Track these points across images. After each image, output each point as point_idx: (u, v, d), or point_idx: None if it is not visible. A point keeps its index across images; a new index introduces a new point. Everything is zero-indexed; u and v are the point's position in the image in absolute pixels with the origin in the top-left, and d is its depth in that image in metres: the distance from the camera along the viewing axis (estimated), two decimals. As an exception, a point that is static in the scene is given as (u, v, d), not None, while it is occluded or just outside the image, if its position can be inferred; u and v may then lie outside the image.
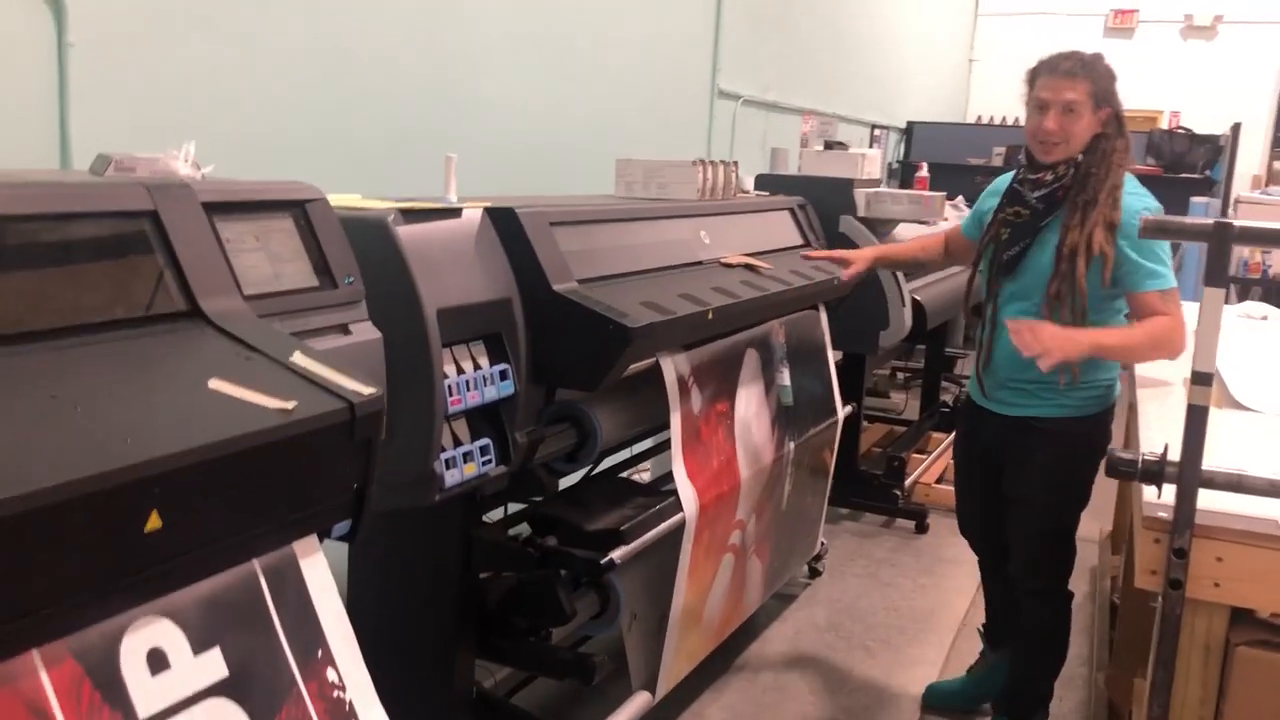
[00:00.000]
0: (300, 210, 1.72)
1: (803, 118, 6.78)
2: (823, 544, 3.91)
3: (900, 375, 7.20)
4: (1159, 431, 1.95)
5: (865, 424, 5.91)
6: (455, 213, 2.23)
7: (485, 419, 2.27)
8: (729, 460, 2.85)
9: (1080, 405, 2.62)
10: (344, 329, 1.73)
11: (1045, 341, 2.34)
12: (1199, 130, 8.61)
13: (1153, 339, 2.45)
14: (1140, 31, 10.77)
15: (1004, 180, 2.82)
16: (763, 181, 4.28)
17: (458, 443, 2.19)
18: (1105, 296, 2.55)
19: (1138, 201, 2.52)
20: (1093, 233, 2.48)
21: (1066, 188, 2.55)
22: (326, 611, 1.36)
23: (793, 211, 3.68)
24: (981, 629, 3.27)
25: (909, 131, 9.16)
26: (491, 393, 2.20)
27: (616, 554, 2.35)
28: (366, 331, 1.76)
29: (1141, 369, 2.83)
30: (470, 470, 2.17)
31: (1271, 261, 7.78)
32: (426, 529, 2.38)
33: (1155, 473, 1.47)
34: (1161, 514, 1.53)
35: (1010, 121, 9.98)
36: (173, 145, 1.68)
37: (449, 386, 2.09)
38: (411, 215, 2.09)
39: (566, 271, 2.32)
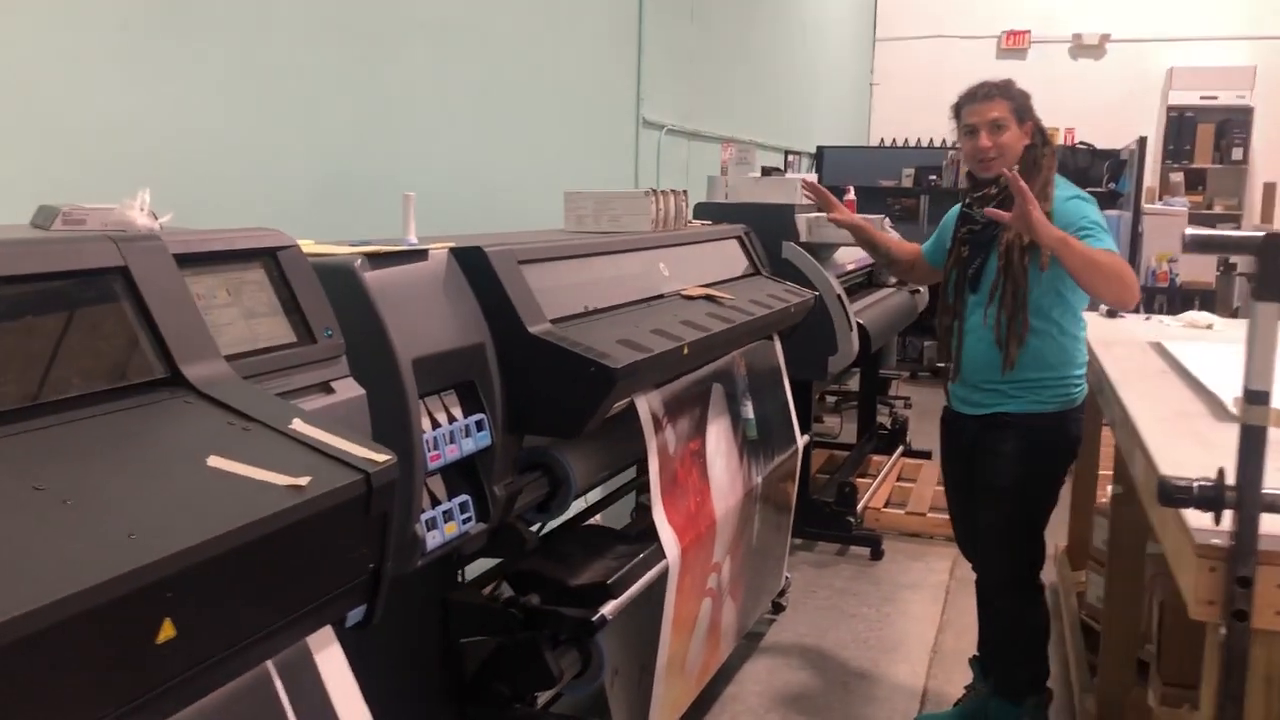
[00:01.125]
0: (272, 259, 1.56)
1: (722, 145, 6.75)
2: (786, 578, 3.82)
3: (831, 399, 7.19)
4: (1186, 454, 1.89)
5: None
6: (421, 255, 2.08)
7: (461, 474, 2.12)
8: (704, 501, 2.74)
9: (1046, 401, 2.78)
10: (326, 387, 1.57)
11: (1029, 209, 2.49)
12: (1097, 146, 8.86)
13: (1113, 267, 2.52)
14: (1033, 52, 11.05)
15: (954, 210, 3.02)
16: (701, 210, 4.21)
17: (436, 501, 2.03)
18: (1051, 288, 2.71)
19: (1066, 190, 2.77)
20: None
21: (1009, 194, 2.65)
22: (348, 712, 1.20)
23: (740, 239, 3.60)
24: (974, 659, 3.22)
25: (819, 156, 9.22)
26: (469, 445, 2.06)
27: (607, 610, 2.21)
28: (349, 388, 1.61)
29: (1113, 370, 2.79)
30: (451, 530, 2.02)
31: (1178, 270, 7.99)
32: (400, 594, 2.20)
33: (1213, 499, 1.39)
34: (1216, 540, 1.45)
35: (913, 143, 10.14)
36: (95, 192, 1.51)
37: (427, 441, 1.94)
38: (378, 260, 1.95)
39: (539, 312, 2.19)
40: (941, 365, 3.05)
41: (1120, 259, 2.57)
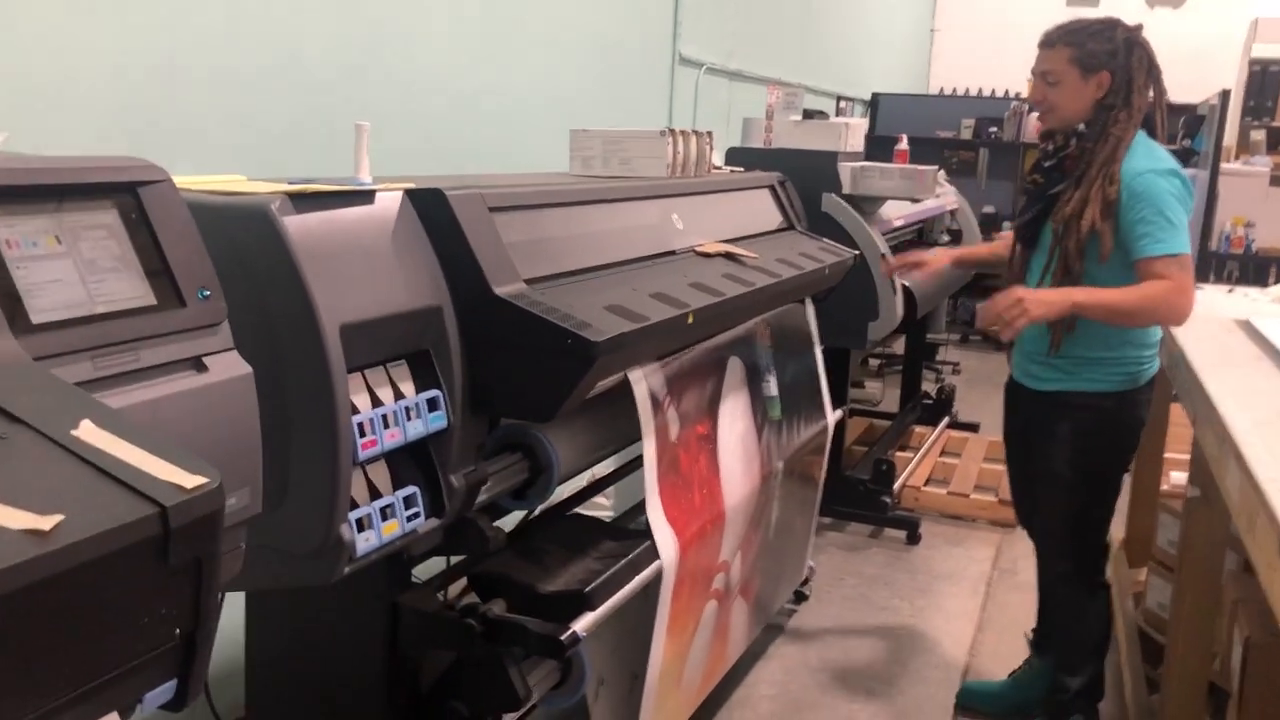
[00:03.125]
0: (130, 197, 1.21)
1: (768, 89, 6.29)
2: (810, 567, 3.46)
3: (875, 363, 6.77)
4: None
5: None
6: (366, 197, 1.72)
7: (412, 460, 1.78)
8: (712, 493, 2.38)
9: (1106, 380, 2.51)
10: (197, 365, 1.22)
11: (1001, 308, 2.28)
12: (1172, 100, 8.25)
13: (1145, 301, 2.33)
14: (1105, 2, 10.39)
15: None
16: (734, 156, 3.81)
17: (375, 494, 1.69)
18: (1115, 272, 2.40)
19: (1143, 162, 2.40)
20: (1083, 210, 2.40)
21: (1073, 157, 2.48)
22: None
23: (773, 189, 3.20)
24: (1030, 634, 3.03)
25: (874, 104, 8.71)
26: (417, 428, 1.71)
27: (581, 625, 1.86)
28: (229, 366, 1.26)
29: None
30: (391, 530, 1.68)
31: (1255, 235, 7.45)
32: (341, 597, 1.88)
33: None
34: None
35: (974, 93, 9.57)
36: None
37: (359, 425, 1.60)
38: (304, 201, 1.59)
39: (511, 270, 1.83)
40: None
41: (1158, 286, 2.31)
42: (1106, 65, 2.40)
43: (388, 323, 1.66)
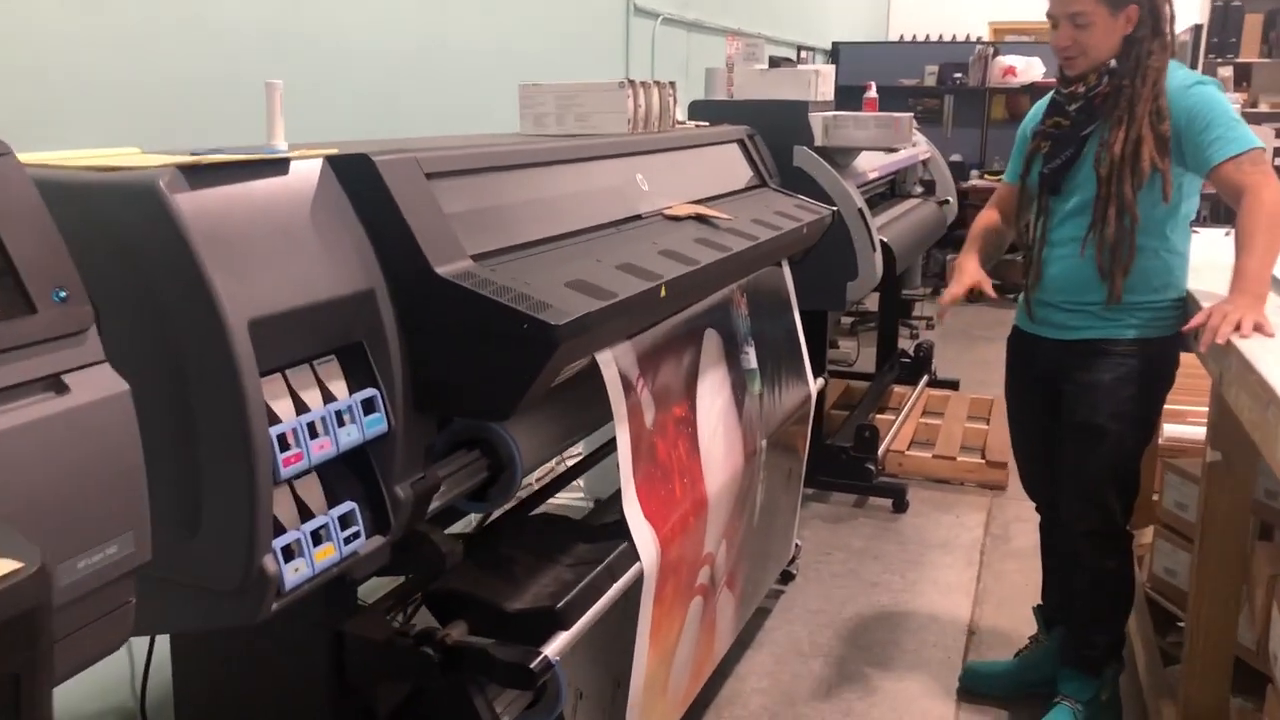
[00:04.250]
0: (-47, 177, 0.95)
1: (727, 39, 6.02)
2: (796, 545, 3.26)
3: (847, 320, 6.57)
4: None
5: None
6: (277, 166, 1.47)
7: (349, 471, 1.54)
8: (693, 481, 2.15)
9: (1149, 325, 2.38)
10: (55, 385, 0.97)
11: (1228, 323, 1.99)
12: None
13: (1272, 220, 2.13)
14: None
15: (1042, 103, 2.54)
16: (698, 109, 3.56)
17: (306, 515, 1.45)
18: (1165, 215, 2.33)
19: (1183, 78, 2.29)
20: (1138, 151, 2.26)
21: (1104, 94, 2.33)
22: None
23: (742, 144, 2.96)
24: (1037, 608, 2.85)
25: (835, 53, 8.46)
26: (351, 435, 1.47)
27: (554, 647, 1.64)
28: (99, 384, 1.01)
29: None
30: (325, 556, 1.44)
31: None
32: (276, 627, 1.64)
33: None
34: None
35: (935, 38, 9.33)
36: None
37: (279, 436, 1.35)
38: (200, 174, 1.33)
39: (454, 245, 1.58)
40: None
41: (1266, 196, 2.14)
42: None
43: (310, 313, 1.41)
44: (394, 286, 1.53)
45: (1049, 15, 2.35)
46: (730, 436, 2.38)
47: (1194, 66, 7.23)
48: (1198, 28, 7.06)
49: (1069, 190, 2.38)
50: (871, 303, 5.71)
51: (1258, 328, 1.96)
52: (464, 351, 1.53)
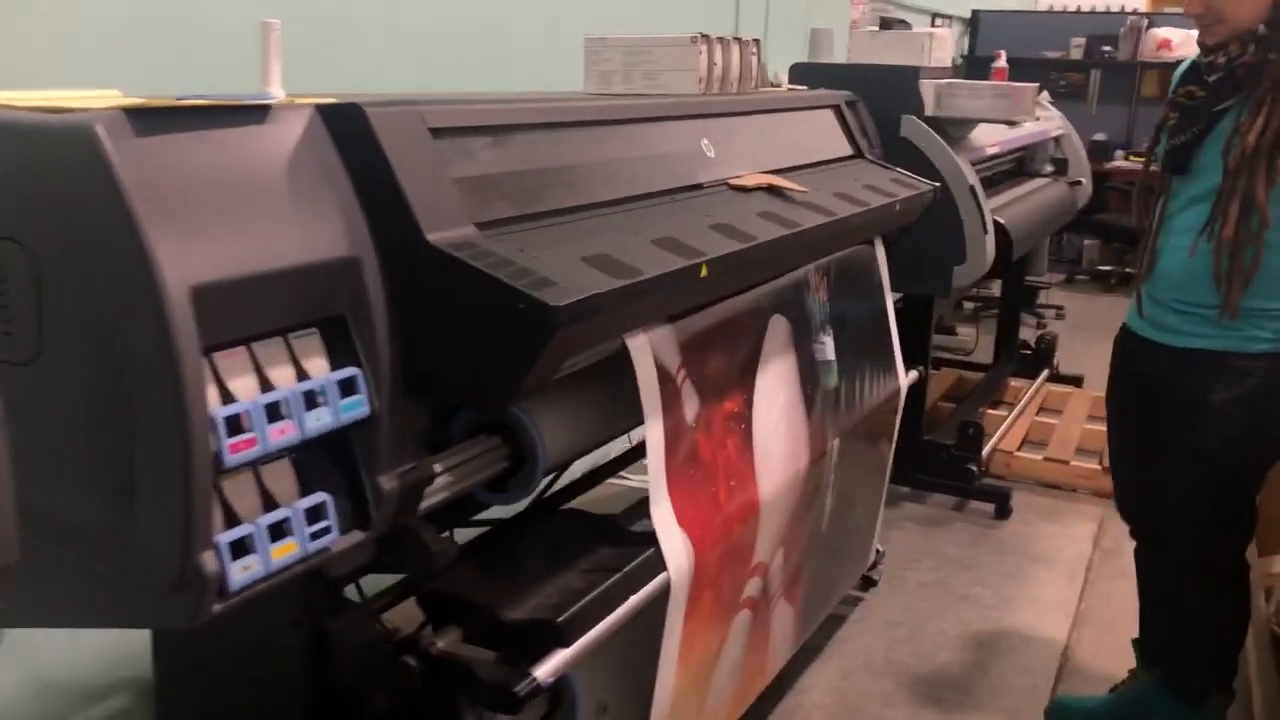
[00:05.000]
0: None
1: (852, 2, 5.71)
2: (878, 551, 3.01)
3: (970, 306, 6.20)
4: None
5: (932, 369, 4.99)
6: (253, 114, 1.30)
7: (330, 459, 1.38)
8: (743, 484, 1.94)
9: (1268, 339, 2.06)
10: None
11: None
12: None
13: None
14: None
15: (1183, 67, 2.22)
16: (799, 73, 3.30)
17: (270, 505, 1.30)
18: None
19: None
20: (1278, 145, 1.94)
21: (1250, 64, 2.00)
22: None
23: (838, 110, 2.70)
24: (1136, 641, 2.55)
25: (974, 21, 8.00)
26: (322, 419, 1.30)
27: (546, 668, 1.46)
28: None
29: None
30: (286, 552, 1.28)
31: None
32: (253, 620, 1.51)
33: None
34: None
35: (1086, 9, 8.74)
36: None
37: (230, 418, 1.20)
38: (150, 118, 1.18)
39: (456, 210, 1.40)
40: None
41: None
42: None
43: (277, 280, 1.25)
44: (384, 255, 1.35)
45: None
46: (794, 435, 2.16)
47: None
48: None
49: (1192, 171, 2.09)
50: (997, 287, 5.36)
51: None
52: (456, 331, 1.35)
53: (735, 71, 2.32)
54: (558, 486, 2.32)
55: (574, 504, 2.39)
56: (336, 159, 1.35)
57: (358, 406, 1.35)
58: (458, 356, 1.36)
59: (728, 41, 2.28)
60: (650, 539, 1.72)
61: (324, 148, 1.35)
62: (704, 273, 1.63)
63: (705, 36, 2.21)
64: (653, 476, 1.70)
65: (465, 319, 1.34)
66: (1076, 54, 7.88)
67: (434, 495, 1.54)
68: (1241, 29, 2.00)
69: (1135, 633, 2.58)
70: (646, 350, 1.68)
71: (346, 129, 1.35)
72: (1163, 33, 7.55)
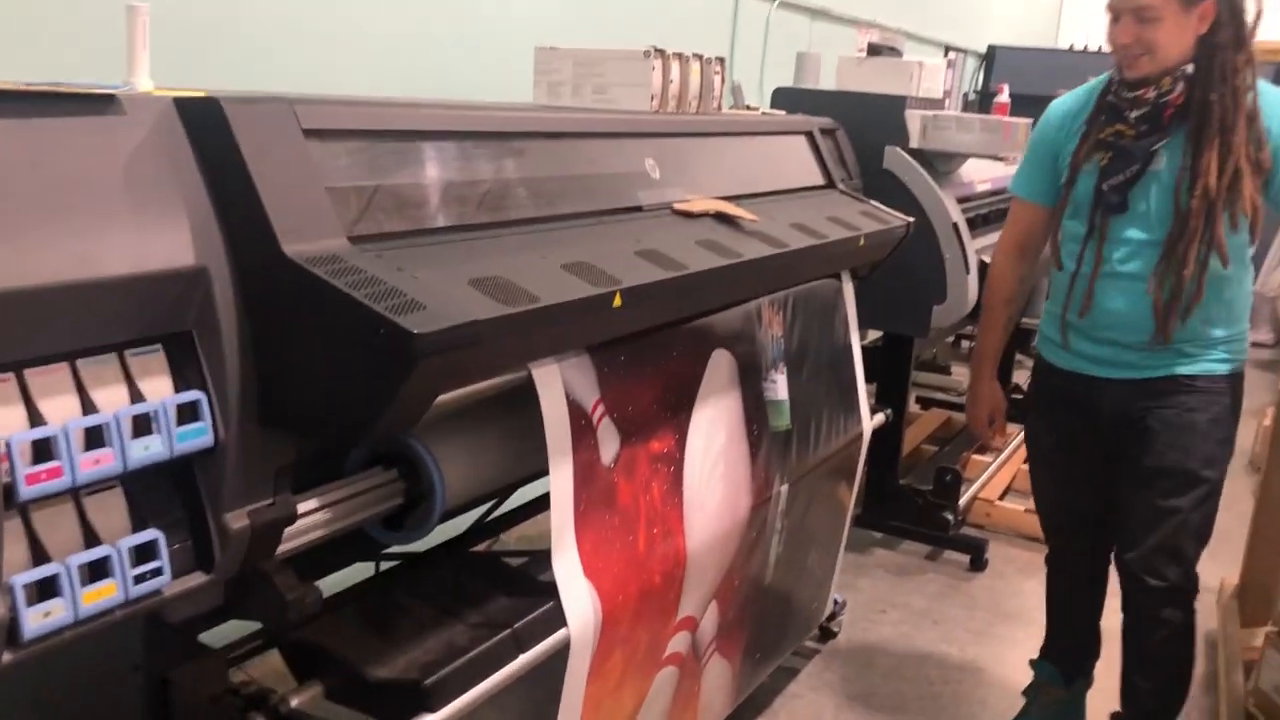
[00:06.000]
0: None
1: (859, 30, 5.58)
2: (836, 602, 2.85)
3: (966, 345, 6.03)
4: None
5: (919, 409, 4.82)
6: (98, 104, 1.17)
7: (169, 491, 1.24)
8: (668, 532, 1.79)
9: (1237, 357, 2.18)
10: None
11: None
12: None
13: None
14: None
15: (1068, 105, 2.26)
16: (782, 96, 3.16)
17: (93, 541, 1.15)
18: (1243, 240, 2.10)
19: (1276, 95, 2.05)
20: (1237, 188, 1.98)
21: (1177, 105, 2.02)
22: None
23: (810, 137, 2.56)
24: (1046, 661, 2.55)
25: (990, 56, 7.86)
26: (152, 449, 1.16)
27: (407, 738, 1.31)
28: None
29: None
30: (101, 596, 1.14)
31: None
32: (94, 660, 1.37)
33: None
34: None
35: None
36: None
37: (26, 446, 1.06)
38: (-45, 102, 1.04)
39: (324, 221, 1.25)
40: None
41: None
42: None
43: (110, 290, 1.12)
44: (238, 267, 1.21)
45: (1109, 7, 2.03)
46: (734, 478, 2.01)
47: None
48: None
49: (1132, 210, 2.09)
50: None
51: None
52: (312, 355, 1.21)
53: (694, 90, 2.18)
54: (498, 513, 2.19)
55: (513, 533, 2.27)
56: (190, 158, 1.22)
57: (199, 435, 1.21)
58: (314, 384, 1.22)
59: (686, 58, 2.14)
60: (549, 589, 1.57)
61: (177, 145, 1.21)
62: (618, 303, 1.49)
63: (660, 51, 2.07)
64: (556, 522, 1.55)
65: (322, 342, 1.20)
66: (1089, 92, 7.72)
67: (310, 532, 1.41)
68: (1169, 65, 2.00)
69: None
70: (555, 382, 1.53)
71: (202, 125, 1.21)
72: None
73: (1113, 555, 2.32)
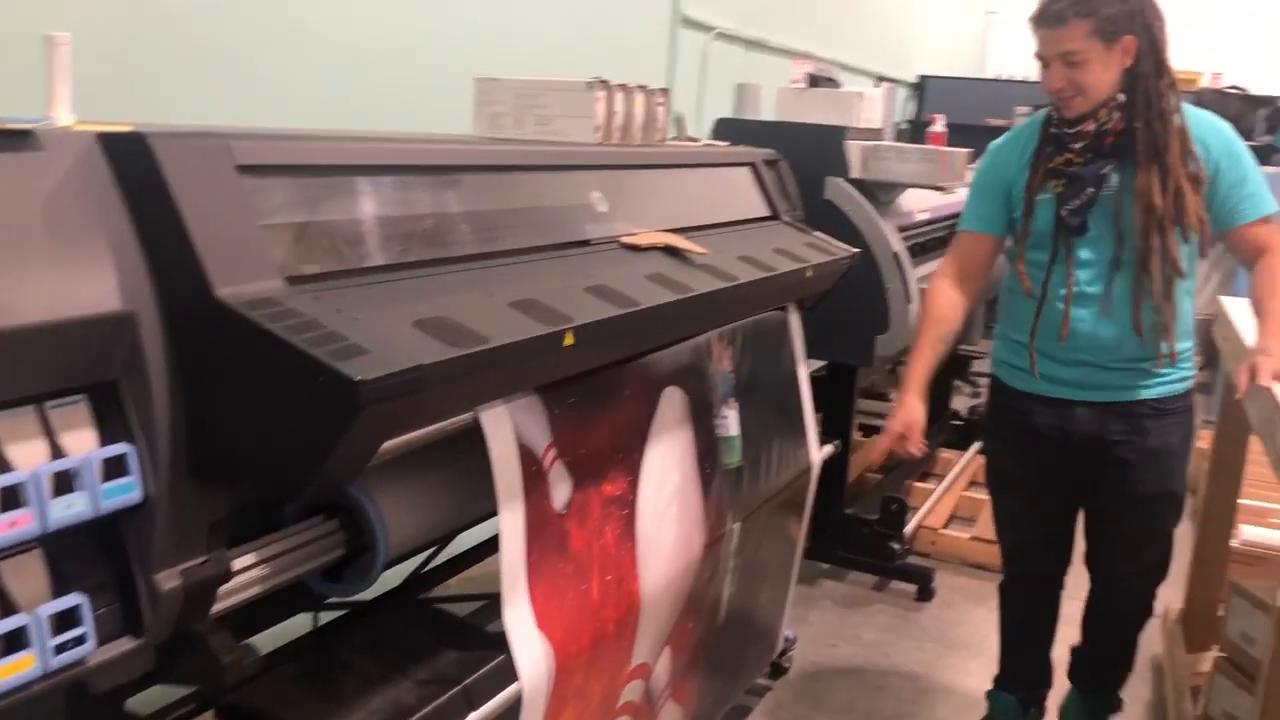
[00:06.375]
0: None
1: (794, 62, 5.60)
2: (787, 638, 2.80)
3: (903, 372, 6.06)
4: None
5: (861, 437, 4.82)
6: (12, 140, 1.09)
7: (93, 552, 1.15)
8: (622, 579, 1.73)
9: (1189, 374, 2.29)
10: None
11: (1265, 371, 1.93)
12: (1250, 91, 7.45)
13: None
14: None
15: (1012, 142, 2.35)
16: (723, 128, 3.15)
17: (9, 610, 1.07)
18: (1192, 254, 2.20)
19: (1210, 120, 2.17)
20: (1181, 204, 2.09)
21: (1116, 132, 2.12)
22: None
23: (754, 169, 2.54)
24: (1002, 692, 2.62)
25: (921, 87, 7.98)
26: (74, 507, 1.08)
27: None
28: None
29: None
30: (18, 670, 1.06)
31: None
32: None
33: None
34: None
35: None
36: None
37: (-61, 510, 0.97)
38: None
39: (258, 262, 1.19)
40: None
41: None
42: (1128, 28, 2.07)
43: (25, 339, 1.04)
44: (168, 311, 1.14)
45: (1037, 55, 2.13)
46: (688, 519, 1.96)
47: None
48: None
49: (1090, 230, 2.16)
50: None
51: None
52: (248, 404, 1.14)
53: (638, 121, 2.15)
54: (440, 560, 2.12)
55: (459, 579, 2.19)
56: (116, 197, 1.14)
57: (127, 491, 1.13)
58: (250, 434, 1.15)
59: (630, 89, 2.11)
60: (500, 641, 1.50)
61: (101, 184, 1.14)
62: (569, 341, 1.44)
63: (604, 82, 2.03)
64: (506, 574, 1.49)
65: (258, 390, 1.13)
66: (1020, 121, 7.86)
67: (247, 589, 1.34)
68: (1101, 99, 2.10)
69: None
70: (506, 425, 1.47)
71: (128, 162, 1.14)
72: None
73: (1091, 568, 2.45)
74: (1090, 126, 2.12)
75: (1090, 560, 2.43)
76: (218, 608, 1.27)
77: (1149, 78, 2.09)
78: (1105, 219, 2.15)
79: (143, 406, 1.14)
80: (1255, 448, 2.82)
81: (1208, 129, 2.14)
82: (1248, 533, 3.24)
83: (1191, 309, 2.25)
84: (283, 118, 2.22)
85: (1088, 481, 2.32)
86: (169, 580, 1.18)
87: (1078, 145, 2.14)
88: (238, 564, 1.30)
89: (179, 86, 2.11)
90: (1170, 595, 3.27)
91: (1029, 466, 2.36)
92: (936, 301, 2.39)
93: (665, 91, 2.23)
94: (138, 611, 1.17)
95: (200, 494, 1.20)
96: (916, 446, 2.26)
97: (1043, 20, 2.10)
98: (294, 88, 2.35)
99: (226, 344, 1.12)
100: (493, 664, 1.47)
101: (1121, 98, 2.10)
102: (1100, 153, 2.13)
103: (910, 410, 2.31)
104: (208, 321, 1.12)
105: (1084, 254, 2.17)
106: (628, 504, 1.78)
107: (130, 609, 1.17)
